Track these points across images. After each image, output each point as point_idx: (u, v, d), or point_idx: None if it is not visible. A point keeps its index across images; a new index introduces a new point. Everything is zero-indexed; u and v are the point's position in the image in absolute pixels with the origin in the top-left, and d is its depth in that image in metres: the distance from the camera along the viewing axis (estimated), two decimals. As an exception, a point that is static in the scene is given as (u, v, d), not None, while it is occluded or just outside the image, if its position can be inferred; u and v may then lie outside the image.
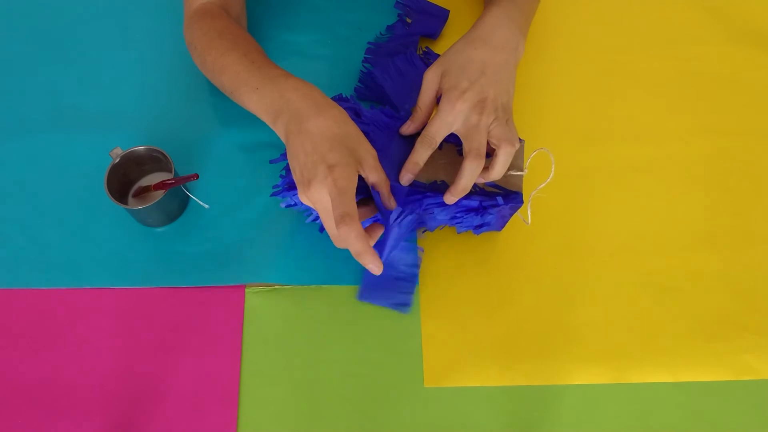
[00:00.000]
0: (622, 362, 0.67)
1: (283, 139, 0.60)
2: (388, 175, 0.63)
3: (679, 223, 0.74)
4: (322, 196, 0.55)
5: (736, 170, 0.77)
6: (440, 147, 0.65)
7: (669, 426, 0.65)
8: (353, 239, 0.54)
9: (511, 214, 0.67)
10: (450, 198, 0.62)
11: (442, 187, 0.64)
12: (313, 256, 0.71)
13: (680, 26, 0.86)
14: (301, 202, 0.64)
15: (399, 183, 0.63)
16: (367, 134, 0.62)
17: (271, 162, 0.67)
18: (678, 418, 0.65)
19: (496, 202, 0.64)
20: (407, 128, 0.65)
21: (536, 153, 0.65)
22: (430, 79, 0.64)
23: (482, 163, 0.60)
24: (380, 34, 0.83)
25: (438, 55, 0.80)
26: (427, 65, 0.78)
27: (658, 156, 0.77)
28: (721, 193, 0.76)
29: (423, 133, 0.62)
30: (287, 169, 0.64)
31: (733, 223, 0.74)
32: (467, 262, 0.71)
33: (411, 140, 0.65)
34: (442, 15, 0.83)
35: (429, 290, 0.70)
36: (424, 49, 0.81)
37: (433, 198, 0.63)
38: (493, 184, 0.65)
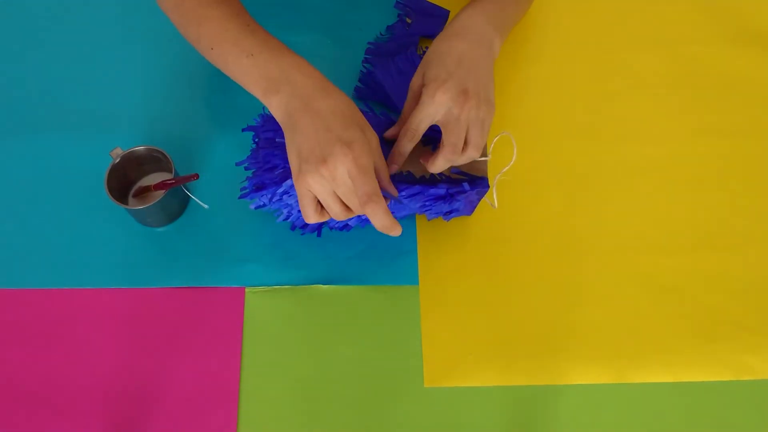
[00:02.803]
0: (622, 362, 0.67)
1: (278, 115, 0.58)
2: None
3: (679, 223, 0.74)
4: (339, 173, 0.54)
5: (736, 170, 0.77)
6: (433, 149, 0.66)
7: (669, 426, 0.65)
8: (381, 216, 0.55)
9: (479, 199, 0.67)
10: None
11: (408, 178, 0.64)
12: (314, 257, 0.71)
13: (680, 26, 0.86)
14: (271, 202, 0.65)
15: (401, 181, 0.63)
16: None
17: (237, 164, 0.67)
18: (678, 418, 0.65)
19: (462, 189, 0.64)
20: (392, 132, 0.66)
21: (499, 137, 0.66)
22: (415, 85, 0.64)
23: (457, 157, 0.61)
24: (380, 34, 0.83)
25: (438, 56, 0.80)
26: (427, 65, 0.79)
27: (658, 156, 0.77)
28: (721, 193, 0.76)
29: (406, 125, 0.62)
30: (256, 169, 0.64)
31: (733, 223, 0.74)
32: (467, 262, 0.71)
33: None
34: (442, 15, 0.83)
35: (429, 290, 0.70)
36: (424, 49, 0.81)
37: (402, 189, 0.63)
38: (459, 171, 0.65)
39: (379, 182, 0.57)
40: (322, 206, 0.58)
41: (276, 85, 0.58)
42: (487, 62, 0.63)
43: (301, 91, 0.57)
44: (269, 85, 0.58)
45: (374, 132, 0.58)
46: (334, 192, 0.56)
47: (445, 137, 0.61)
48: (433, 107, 0.60)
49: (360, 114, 0.58)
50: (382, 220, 0.56)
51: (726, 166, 0.77)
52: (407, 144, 0.62)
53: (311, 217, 0.58)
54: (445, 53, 0.62)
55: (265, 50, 0.59)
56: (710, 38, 0.85)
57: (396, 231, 0.57)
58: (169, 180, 0.67)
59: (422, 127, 0.61)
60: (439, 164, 0.62)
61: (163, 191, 0.67)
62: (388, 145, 0.66)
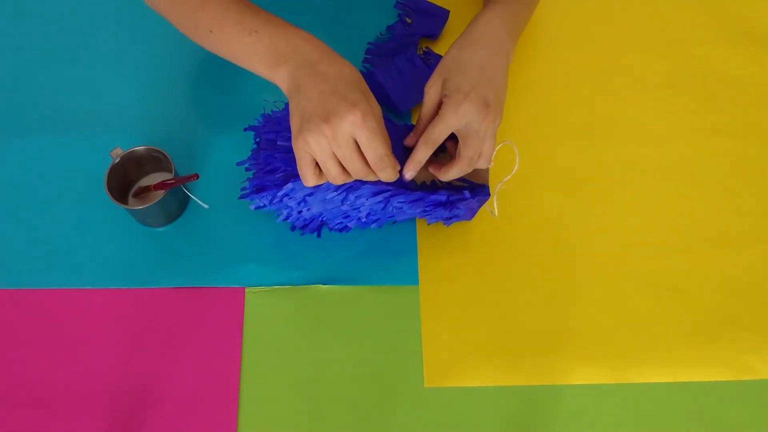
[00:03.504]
0: (622, 362, 0.67)
1: (285, 86, 0.57)
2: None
3: (679, 223, 0.74)
4: (341, 132, 0.53)
5: (736, 170, 0.77)
6: (435, 154, 0.66)
7: (669, 426, 0.65)
8: (391, 171, 0.56)
9: (479, 206, 0.67)
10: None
11: (410, 185, 0.64)
12: (314, 257, 0.71)
13: (680, 26, 0.86)
14: (271, 204, 0.65)
15: (396, 185, 0.63)
16: None
17: (237, 164, 0.67)
18: (678, 418, 0.65)
19: (463, 196, 0.64)
20: (411, 140, 0.65)
21: (502, 145, 0.65)
22: (432, 90, 0.62)
23: (471, 168, 0.62)
24: (380, 34, 0.83)
25: (438, 56, 0.80)
26: (428, 65, 0.79)
27: (658, 156, 0.77)
28: (721, 193, 0.76)
29: (426, 134, 0.61)
30: (256, 171, 0.65)
31: (733, 223, 0.74)
32: (467, 262, 0.71)
33: (401, 147, 0.66)
34: (442, 15, 0.83)
35: (429, 290, 0.70)
36: (424, 49, 0.81)
37: (401, 196, 0.63)
38: (460, 178, 0.65)
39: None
40: (320, 170, 0.57)
41: (284, 57, 0.57)
42: (504, 71, 0.63)
43: (308, 58, 0.56)
44: (277, 58, 0.57)
45: (378, 105, 0.57)
46: (334, 153, 0.55)
47: (463, 150, 0.60)
48: (455, 120, 0.59)
49: (366, 85, 0.57)
50: (390, 176, 0.56)
51: (726, 166, 0.77)
52: (425, 152, 0.61)
53: (309, 180, 0.57)
54: (467, 62, 0.61)
55: (270, 26, 0.59)
56: (710, 38, 0.85)
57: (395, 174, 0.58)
58: (169, 180, 0.67)
59: (442, 137, 0.61)
60: (452, 174, 0.62)
61: (163, 191, 0.67)
62: (405, 152, 0.66)
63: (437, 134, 0.61)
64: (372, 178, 0.57)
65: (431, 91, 0.62)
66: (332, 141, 0.53)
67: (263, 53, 0.58)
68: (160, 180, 0.68)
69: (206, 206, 0.70)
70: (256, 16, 0.60)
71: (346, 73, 0.56)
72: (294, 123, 0.56)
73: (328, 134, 0.53)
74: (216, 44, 0.62)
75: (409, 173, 0.62)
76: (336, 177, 0.56)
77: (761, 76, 0.83)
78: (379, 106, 0.57)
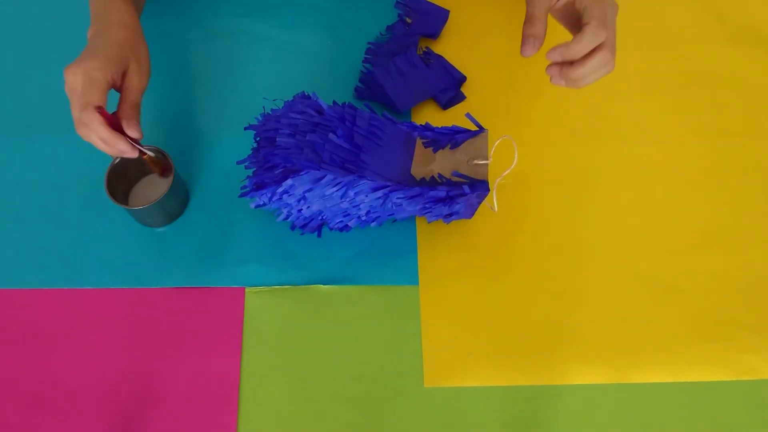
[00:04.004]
0: (622, 362, 0.67)
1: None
2: (386, 177, 0.63)
3: (679, 223, 0.74)
4: (75, 79, 0.58)
5: (736, 170, 0.77)
6: (434, 150, 0.66)
7: (669, 426, 0.65)
8: (95, 125, 0.58)
9: (479, 203, 0.67)
10: (554, 54, 0.57)
11: (410, 181, 0.65)
12: (314, 257, 0.71)
13: (680, 26, 0.86)
14: (271, 202, 0.65)
15: (400, 182, 0.63)
16: (333, 130, 0.63)
17: (237, 163, 0.67)
18: (678, 418, 0.65)
19: (462, 191, 0.64)
20: (531, 49, 0.59)
21: (500, 141, 0.66)
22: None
23: (601, 38, 0.56)
24: (380, 34, 0.83)
25: (438, 56, 0.80)
26: (427, 65, 0.79)
27: (658, 156, 0.77)
28: (721, 193, 0.76)
29: (575, 41, 0.56)
30: (256, 168, 0.65)
31: (733, 223, 0.74)
32: (467, 262, 0.71)
33: (401, 145, 0.66)
34: (442, 15, 0.83)
35: (429, 290, 0.70)
36: (424, 49, 0.81)
37: (401, 191, 0.63)
38: (459, 174, 0.65)
39: (120, 110, 0.61)
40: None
41: (93, 18, 0.65)
42: None
43: (94, 17, 0.64)
44: (92, 18, 0.65)
45: (147, 72, 0.65)
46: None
47: (598, 13, 0.57)
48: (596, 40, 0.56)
49: (140, 49, 0.65)
50: (97, 130, 0.59)
51: (726, 166, 0.77)
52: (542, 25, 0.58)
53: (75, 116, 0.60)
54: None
55: None
56: (710, 38, 0.85)
57: (124, 146, 0.61)
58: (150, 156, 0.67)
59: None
60: (585, 42, 0.56)
61: (169, 178, 0.67)
62: (397, 146, 0.66)
63: (580, 49, 0.56)
64: (84, 135, 0.60)
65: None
66: (70, 86, 0.59)
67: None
68: (160, 181, 0.68)
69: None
70: None
71: (117, 37, 0.63)
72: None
73: (68, 80, 0.60)
74: None
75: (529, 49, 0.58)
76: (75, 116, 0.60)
77: (761, 76, 0.83)
78: (142, 74, 0.64)
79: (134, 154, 0.62)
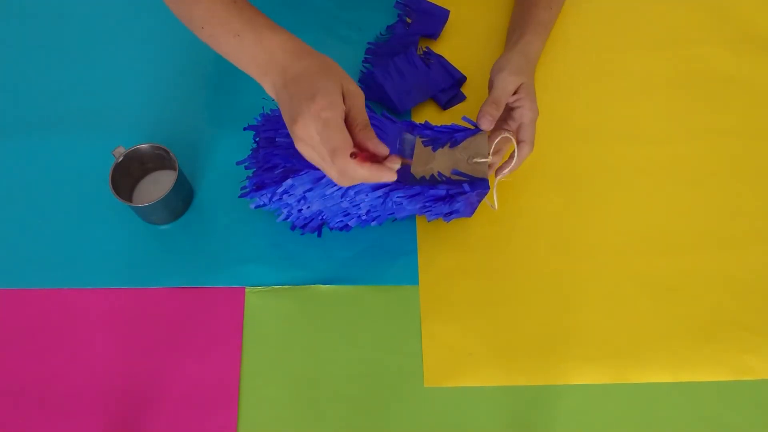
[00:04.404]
0: (622, 362, 0.67)
1: (273, 96, 0.58)
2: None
3: (679, 223, 0.74)
4: (309, 132, 0.52)
5: (736, 170, 0.77)
6: (434, 149, 0.66)
7: (669, 426, 0.65)
8: (352, 170, 0.52)
9: (479, 201, 0.67)
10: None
11: (410, 180, 0.65)
12: (314, 257, 0.71)
13: (680, 27, 0.86)
14: (271, 202, 0.65)
15: (400, 181, 0.63)
16: None
17: (237, 164, 0.67)
18: (678, 418, 0.65)
19: (463, 190, 0.64)
20: (488, 124, 0.66)
21: (500, 139, 0.68)
22: (512, 85, 0.68)
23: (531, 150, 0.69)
24: (380, 34, 0.83)
25: (438, 55, 0.80)
26: (428, 65, 0.79)
27: (658, 156, 0.77)
28: (721, 193, 0.76)
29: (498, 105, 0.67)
30: (256, 169, 0.65)
31: (733, 223, 0.74)
32: (467, 262, 0.71)
33: (399, 146, 0.66)
34: (442, 15, 0.83)
35: (429, 290, 0.70)
36: (425, 49, 0.81)
37: (401, 190, 0.63)
38: (459, 172, 0.65)
39: (355, 136, 0.53)
40: None
41: (264, 68, 0.57)
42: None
43: (282, 65, 0.56)
44: (258, 68, 0.58)
45: (356, 85, 0.56)
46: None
47: (526, 135, 0.69)
48: (533, 112, 0.68)
49: (337, 69, 0.56)
50: (359, 173, 0.52)
51: (726, 166, 0.77)
52: (496, 110, 0.67)
53: (328, 170, 0.55)
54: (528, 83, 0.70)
55: (251, 31, 0.58)
56: (710, 39, 0.85)
57: (386, 175, 0.54)
58: None
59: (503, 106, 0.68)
60: (524, 154, 0.69)
61: (173, 176, 0.67)
62: (399, 147, 0.66)
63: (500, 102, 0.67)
64: (350, 181, 0.55)
65: (513, 80, 0.68)
66: (305, 143, 0.53)
67: (247, 61, 0.58)
68: (163, 179, 0.68)
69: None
70: (239, 17, 0.59)
71: (312, 67, 0.55)
72: (290, 131, 0.56)
73: (302, 136, 0.53)
74: (208, 41, 0.62)
75: (487, 118, 0.66)
76: (336, 177, 0.55)
77: (761, 76, 0.83)
78: (356, 90, 0.55)
79: (394, 176, 0.55)
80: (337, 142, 0.51)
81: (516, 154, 0.67)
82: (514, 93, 0.68)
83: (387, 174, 0.54)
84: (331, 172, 0.54)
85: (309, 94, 0.52)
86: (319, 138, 0.51)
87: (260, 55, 0.57)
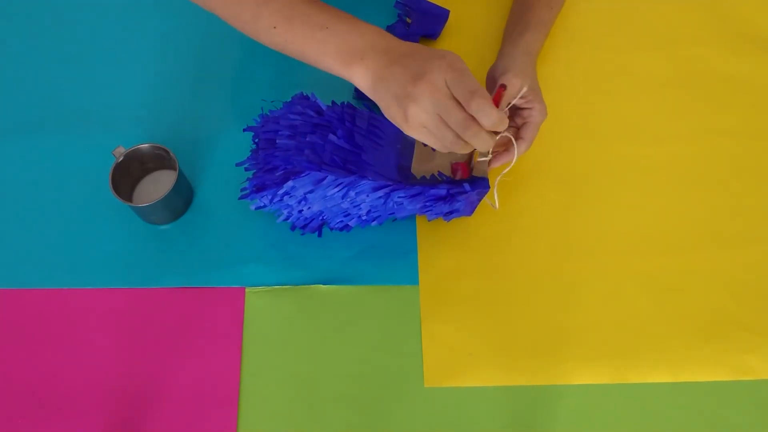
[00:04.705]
0: (622, 362, 0.67)
1: (365, 82, 0.57)
2: (387, 176, 0.63)
3: (679, 223, 0.74)
4: (436, 85, 0.52)
5: (736, 170, 0.77)
6: (433, 149, 0.66)
7: (669, 426, 0.65)
8: (488, 111, 0.52)
9: (479, 200, 0.67)
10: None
11: (410, 179, 0.65)
12: (314, 257, 0.71)
13: (680, 27, 0.86)
14: (271, 203, 0.65)
15: (396, 180, 0.63)
16: (333, 131, 0.63)
17: (237, 165, 0.67)
18: (678, 418, 0.65)
19: (463, 189, 0.64)
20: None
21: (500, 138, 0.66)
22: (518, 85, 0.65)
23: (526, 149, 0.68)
24: (380, 34, 0.83)
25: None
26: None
27: (658, 156, 0.77)
28: (721, 193, 0.76)
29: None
30: (256, 170, 0.65)
31: (733, 223, 0.74)
32: (467, 262, 0.71)
33: (400, 146, 0.66)
34: (442, 15, 0.83)
35: (429, 290, 0.70)
36: (424, 49, 0.81)
37: (402, 190, 0.63)
38: None
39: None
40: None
41: (360, 54, 0.57)
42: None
43: (385, 48, 0.56)
44: (352, 55, 0.57)
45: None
46: (440, 117, 0.54)
47: (527, 134, 0.67)
48: (542, 115, 0.68)
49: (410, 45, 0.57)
50: (489, 116, 0.53)
51: (726, 166, 0.77)
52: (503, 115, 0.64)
53: (451, 144, 0.55)
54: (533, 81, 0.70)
55: (341, 22, 0.58)
56: (710, 39, 0.85)
57: (505, 123, 0.54)
58: None
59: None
60: (521, 151, 0.67)
61: (173, 175, 0.67)
62: (397, 146, 0.66)
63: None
64: (473, 135, 0.54)
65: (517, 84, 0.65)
66: (430, 99, 0.53)
67: (335, 51, 0.58)
68: (163, 179, 0.68)
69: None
70: (323, 11, 0.59)
71: (422, 47, 0.56)
72: (392, 111, 0.55)
73: (424, 94, 0.53)
74: (278, 40, 0.60)
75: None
76: (453, 140, 0.55)
77: (761, 76, 0.83)
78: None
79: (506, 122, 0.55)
80: (476, 84, 0.53)
81: (515, 151, 0.66)
82: (522, 96, 0.67)
83: (506, 120, 0.55)
84: (447, 133, 0.54)
85: (438, 55, 0.54)
86: (453, 86, 0.53)
87: (356, 41, 0.57)
